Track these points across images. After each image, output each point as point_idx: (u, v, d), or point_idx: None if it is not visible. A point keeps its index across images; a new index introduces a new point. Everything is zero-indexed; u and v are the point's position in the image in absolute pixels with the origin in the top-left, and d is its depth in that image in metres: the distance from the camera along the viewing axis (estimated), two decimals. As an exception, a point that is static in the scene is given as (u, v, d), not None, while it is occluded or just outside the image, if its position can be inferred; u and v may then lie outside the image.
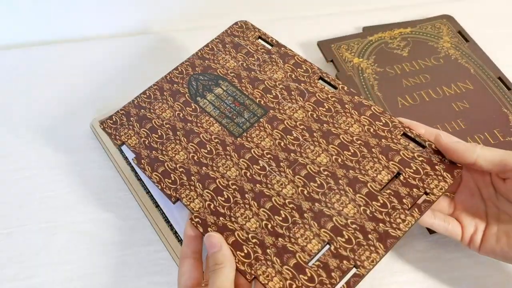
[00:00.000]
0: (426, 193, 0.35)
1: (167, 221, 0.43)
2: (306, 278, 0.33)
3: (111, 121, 0.43)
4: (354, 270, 0.33)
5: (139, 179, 0.46)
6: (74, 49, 0.59)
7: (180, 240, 0.42)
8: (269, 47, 0.46)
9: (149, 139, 0.41)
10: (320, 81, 0.42)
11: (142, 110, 0.43)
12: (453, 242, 0.41)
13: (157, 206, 0.44)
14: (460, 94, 0.51)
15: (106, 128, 0.43)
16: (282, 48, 0.45)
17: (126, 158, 0.47)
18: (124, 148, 0.43)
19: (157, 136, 0.41)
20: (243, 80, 0.44)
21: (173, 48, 0.60)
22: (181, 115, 0.42)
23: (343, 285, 0.32)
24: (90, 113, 0.52)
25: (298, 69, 0.43)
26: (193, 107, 0.42)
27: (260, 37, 0.47)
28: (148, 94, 0.44)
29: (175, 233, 0.42)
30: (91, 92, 0.55)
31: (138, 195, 0.45)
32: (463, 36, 0.58)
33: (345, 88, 0.41)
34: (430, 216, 0.37)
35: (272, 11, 0.66)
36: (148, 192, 0.45)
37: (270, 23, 0.64)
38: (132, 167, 0.47)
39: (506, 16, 0.65)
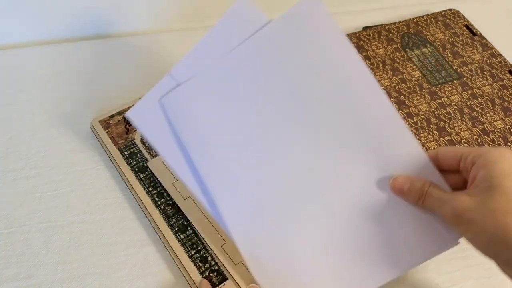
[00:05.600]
0: None
1: (167, 221, 0.43)
2: None
3: None
4: None
5: (140, 179, 0.46)
6: (73, 49, 0.59)
7: (180, 240, 0.42)
8: (473, 35, 0.58)
9: None
10: (508, 73, 0.54)
11: (361, 42, 0.57)
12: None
13: (157, 206, 0.44)
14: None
15: None
16: (484, 40, 0.57)
17: (126, 158, 0.47)
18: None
19: (369, 63, 0.54)
20: (446, 50, 0.56)
21: (173, 48, 0.60)
22: (391, 56, 0.55)
23: None
24: (90, 113, 0.52)
25: (493, 59, 0.55)
26: (402, 54, 0.55)
27: (466, 26, 0.59)
28: (368, 33, 0.58)
29: (176, 233, 0.42)
30: (90, 92, 0.55)
31: (138, 195, 0.45)
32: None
33: None
34: None
35: (272, 11, 0.66)
36: (148, 192, 0.45)
37: (270, 23, 0.64)
38: (132, 166, 0.47)
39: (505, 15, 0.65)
